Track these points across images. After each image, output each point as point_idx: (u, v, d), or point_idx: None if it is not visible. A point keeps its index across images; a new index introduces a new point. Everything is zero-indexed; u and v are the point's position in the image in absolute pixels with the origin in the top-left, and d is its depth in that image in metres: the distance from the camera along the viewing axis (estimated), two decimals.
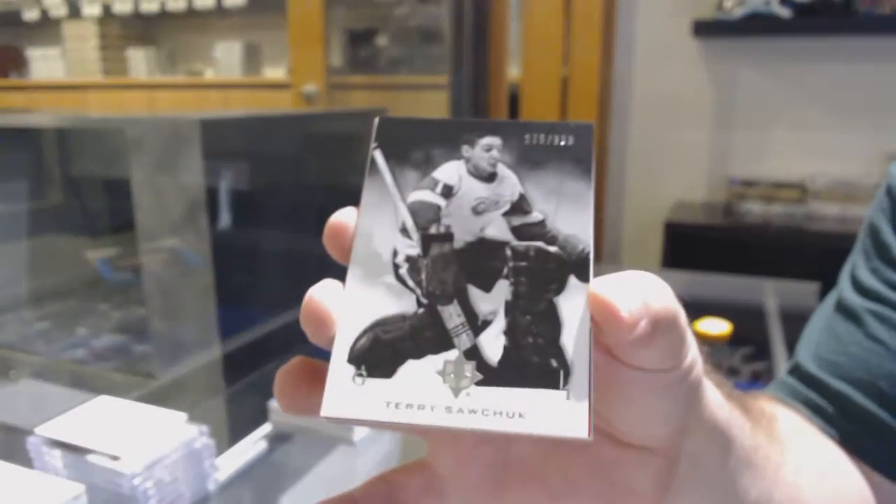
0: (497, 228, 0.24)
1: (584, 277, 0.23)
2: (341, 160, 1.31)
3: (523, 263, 0.24)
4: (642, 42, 2.16)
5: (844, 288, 0.50)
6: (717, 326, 1.00)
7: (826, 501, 0.39)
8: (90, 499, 0.61)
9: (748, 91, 2.08)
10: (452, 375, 0.22)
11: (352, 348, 0.22)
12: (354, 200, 0.25)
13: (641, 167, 2.25)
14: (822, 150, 2.03)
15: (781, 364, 1.00)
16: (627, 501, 0.26)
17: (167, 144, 0.97)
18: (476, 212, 0.25)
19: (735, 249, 1.98)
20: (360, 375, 0.22)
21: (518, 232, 0.24)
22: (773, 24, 1.93)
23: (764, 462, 0.32)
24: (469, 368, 0.22)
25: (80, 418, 0.70)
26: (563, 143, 0.26)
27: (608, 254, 2.32)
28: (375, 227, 0.24)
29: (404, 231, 0.24)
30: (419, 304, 0.23)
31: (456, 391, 0.21)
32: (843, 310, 0.49)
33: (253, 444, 0.83)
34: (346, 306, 0.23)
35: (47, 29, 3.25)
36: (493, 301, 0.23)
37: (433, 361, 0.22)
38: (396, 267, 0.24)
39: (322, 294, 0.23)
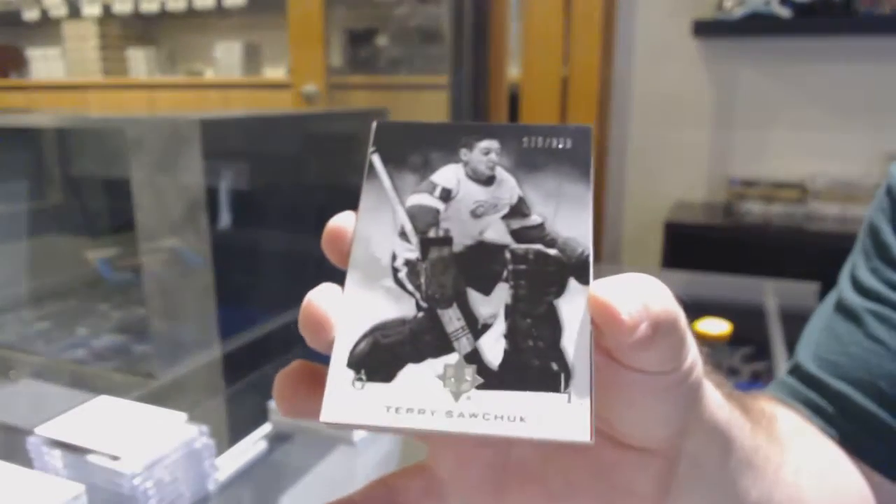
0: (496, 232, 0.24)
1: (584, 280, 0.23)
2: (341, 160, 1.31)
3: (523, 266, 0.23)
4: (642, 42, 2.16)
5: (844, 288, 0.50)
6: (717, 326, 1.00)
7: (826, 502, 0.39)
8: (90, 499, 0.61)
9: (748, 91, 2.08)
10: (453, 379, 0.22)
11: (351, 353, 0.22)
12: (354, 200, 0.25)
13: (641, 167, 2.25)
14: (822, 150, 2.03)
15: (781, 364, 1.00)
16: (628, 503, 0.26)
17: (167, 144, 0.97)
18: (475, 215, 0.25)
19: (735, 249, 1.98)
20: (360, 380, 0.22)
21: (517, 235, 0.24)
22: (773, 24, 1.93)
23: (764, 463, 0.32)
24: (469, 372, 0.22)
25: (80, 418, 0.70)
26: (561, 145, 0.26)
27: (608, 254, 2.32)
28: (374, 231, 0.24)
29: (403, 235, 0.24)
30: (418, 307, 0.23)
31: (456, 395, 0.21)
32: (843, 310, 0.49)
33: (253, 444, 0.83)
34: (345, 310, 0.23)
35: (47, 29, 3.24)
36: (492, 304, 0.23)
37: (433, 365, 0.22)
38: (395, 271, 0.24)
39: (321, 298, 0.23)
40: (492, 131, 0.26)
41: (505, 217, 0.25)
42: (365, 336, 0.22)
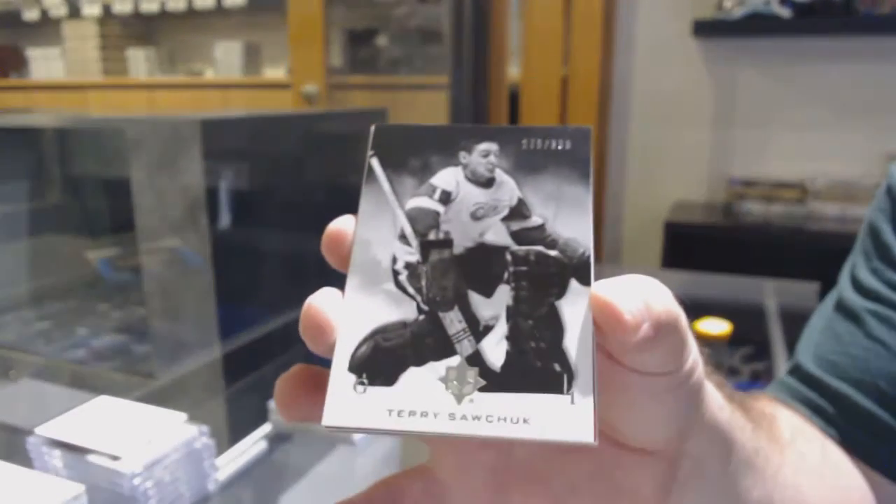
0: (496, 233, 0.24)
1: (585, 281, 0.23)
2: (341, 160, 1.31)
3: (524, 268, 0.23)
4: (642, 42, 2.16)
5: (844, 288, 0.50)
6: (717, 326, 1.00)
7: (826, 502, 0.39)
8: (90, 499, 0.61)
9: (748, 91, 2.08)
10: (455, 382, 0.22)
11: (352, 356, 0.22)
12: (354, 201, 0.25)
13: (641, 167, 2.25)
14: (822, 150, 2.03)
15: (781, 364, 1.00)
16: None
17: (167, 144, 0.97)
18: (475, 217, 0.25)
19: (735, 249, 1.98)
20: (362, 384, 0.22)
21: (518, 237, 0.24)
22: (773, 24, 1.93)
23: (765, 463, 0.32)
24: (472, 374, 0.22)
25: (80, 418, 0.70)
26: (560, 146, 0.26)
27: (608, 254, 2.32)
28: (374, 234, 0.24)
29: (403, 238, 0.24)
30: (420, 310, 0.23)
31: (459, 398, 0.21)
32: (844, 310, 0.49)
33: (253, 444, 0.83)
34: (346, 314, 0.23)
35: (47, 29, 3.25)
36: (494, 306, 0.23)
37: (435, 368, 0.22)
38: (396, 274, 0.24)
39: (321, 302, 0.23)
40: (491, 133, 0.26)
41: (505, 219, 0.25)
42: (366, 339, 0.22)
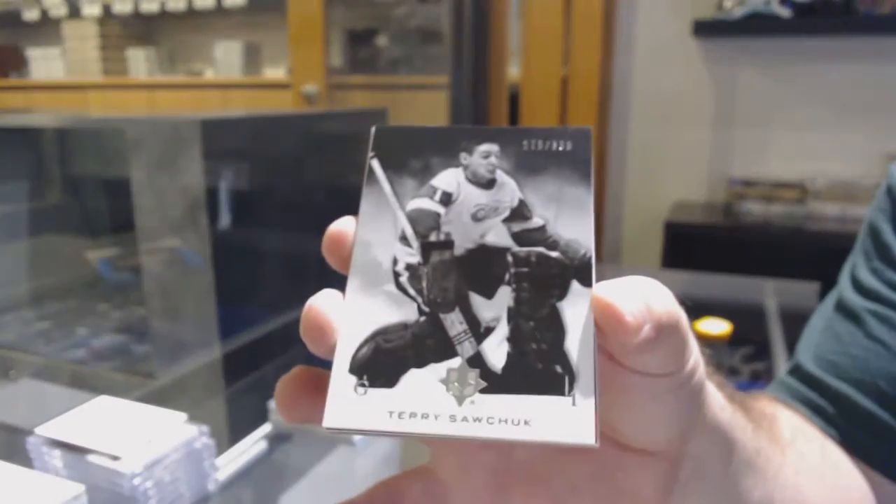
0: (497, 235, 0.24)
1: (586, 282, 0.23)
2: (341, 160, 1.31)
3: (525, 269, 0.23)
4: (642, 42, 2.16)
5: (844, 288, 0.50)
6: (717, 326, 1.00)
7: (826, 502, 0.39)
8: (90, 499, 0.61)
9: (748, 91, 2.08)
10: (456, 383, 0.22)
11: (353, 358, 0.22)
12: (354, 201, 0.25)
13: (641, 167, 2.25)
14: (822, 150, 2.03)
15: (781, 364, 1.00)
16: None
17: (167, 144, 0.97)
18: (476, 218, 0.25)
19: (735, 249, 1.98)
20: (363, 385, 0.22)
21: (519, 238, 0.24)
22: (773, 24, 1.93)
23: (765, 464, 0.32)
24: (473, 376, 0.22)
25: (80, 418, 0.70)
26: (561, 147, 0.26)
27: (608, 254, 2.32)
28: (374, 235, 0.24)
29: (404, 239, 0.24)
30: (420, 312, 0.23)
31: (460, 399, 0.21)
32: (844, 310, 0.49)
33: (253, 444, 0.83)
34: (347, 316, 0.23)
35: (47, 29, 3.24)
36: (495, 308, 0.23)
37: (436, 370, 0.22)
38: (397, 275, 0.24)
39: (322, 304, 0.23)
40: (491, 134, 0.26)
41: (506, 220, 0.24)
42: (367, 341, 0.22)
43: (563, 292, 0.23)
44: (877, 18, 1.87)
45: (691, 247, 1.94)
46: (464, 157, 0.26)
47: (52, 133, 1.39)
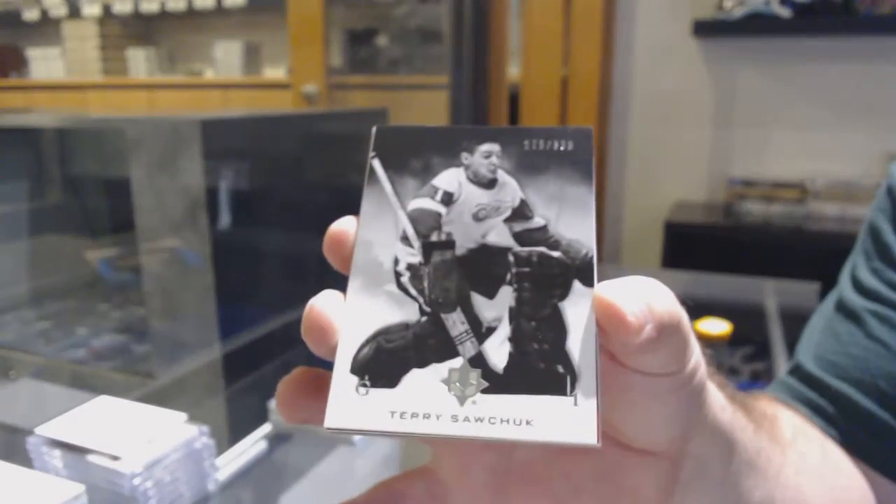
0: (499, 235, 0.24)
1: (588, 282, 0.23)
2: (341, 160, 1.31)
3: (526, 269, 0.23)
4: (642, 42, 2.16)
5: (845, 288, 0.50)
6: (717, 326, 1.00)
7: (827, 501, 0.39)
8: (90, 499, 0.61)
9: (748, 91, 2.08)
10: (457, 384, 0.22)
11: (354, 358, 0.22)
12: (354, 201, 0.25)
13: (641, 167, 2.25)
14: (822, 150, 2.03)
15: (781, 364, 1.00)
16: None
17: (167, 144, 0.97)
18: (477, 218, 0.25)
19: (735, 249, 1.98)
20: (364, 386, 0.22)
21: (520, 238, 0.24)
22: (773, 24, 1.93)
23: (766, 464, 0.32)
24: (474, 376, 0.22)
25: (80, 418, 0.70)
26: (562, 147, 0.26)
27: (608, 254, 2.32)
28: (376, 235, 0.24)
29: (405, 239, 0.24)
30: (422, 312, 0.23)
31: (461, 399, 0.21)
32: (844, 310, 0.49)
33: (253, 444, 0.83)
34: (348, 316, 0.23)
35: (47, 29, 3.24)
36: (496, 308, 0.23)
37: (438, 370, 0.22)
38: (398, 275, 0.24)
39: (323, 304, 0.23)
40: (492, 134, 0.26)
41: (507, 220, 0.24)
42: (368, 341, 0.22)
43: (564, 292, 0.23)
44: (876, 18, 1.87)
45: (691, 247, 1.94)
46: (465, 157, 0.26)
47: (52, 133, 1.39)
